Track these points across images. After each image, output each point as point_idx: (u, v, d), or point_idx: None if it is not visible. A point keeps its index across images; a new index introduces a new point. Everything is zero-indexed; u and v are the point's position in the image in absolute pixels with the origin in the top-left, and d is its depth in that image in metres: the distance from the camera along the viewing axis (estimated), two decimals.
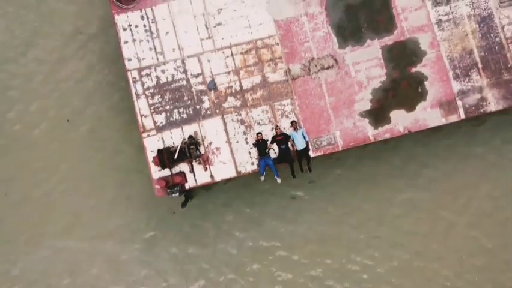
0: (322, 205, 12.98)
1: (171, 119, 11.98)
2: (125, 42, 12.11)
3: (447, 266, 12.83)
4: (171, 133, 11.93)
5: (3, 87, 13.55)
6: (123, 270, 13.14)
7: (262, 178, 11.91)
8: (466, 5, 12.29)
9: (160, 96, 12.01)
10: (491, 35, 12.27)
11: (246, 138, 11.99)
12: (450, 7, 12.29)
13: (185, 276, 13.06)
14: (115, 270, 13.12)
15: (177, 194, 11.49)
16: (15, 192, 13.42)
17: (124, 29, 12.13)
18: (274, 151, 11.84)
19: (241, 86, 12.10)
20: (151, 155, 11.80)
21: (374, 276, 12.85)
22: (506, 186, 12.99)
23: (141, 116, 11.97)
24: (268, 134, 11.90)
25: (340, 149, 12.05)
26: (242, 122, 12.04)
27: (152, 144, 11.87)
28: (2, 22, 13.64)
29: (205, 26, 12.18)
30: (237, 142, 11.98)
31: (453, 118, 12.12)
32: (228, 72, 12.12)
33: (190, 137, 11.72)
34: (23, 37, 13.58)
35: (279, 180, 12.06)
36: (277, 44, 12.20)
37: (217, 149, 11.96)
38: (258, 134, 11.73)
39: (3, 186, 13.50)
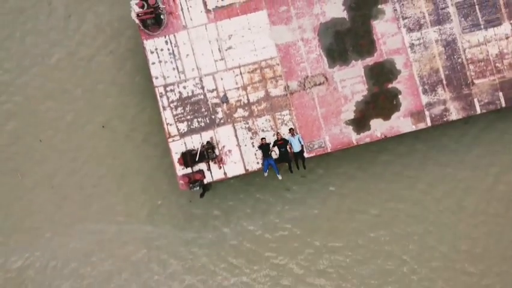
0: (309, 193, 15.94)
1: (191, 126, 14.70)
2: (153, 63, 14.70)
3: None
4: (192, 138, 14.66)
5: (36, 97, 16.22)
6: (153, 248, 16.12)
7: (265, 174, 14.71)
8: (434, 31, 14.84)
9: (182, 108, 14.69)
10: (455, 56, 14.85)
11: (253, 142, 14.73)
12: (421, 33, 14.84)
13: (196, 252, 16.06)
14: (147, 248, 16.11)
15: (198, 187, 14.34)
16: (58, 185, 16.26)
17: (152, 52, 14.71)
18: (275, 153, 14.60)
19: (248, 100, 14.77)
20: (175, 156, 14.57)
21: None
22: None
23: (167, 124, 14.68)
24: (270, 139, 14.63)
25: (329, 151, 14.80)
26: (249, 129, 14.75)
27: (177, 148, 14.62)
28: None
29: (218, 49, 14.75)
30: (245, 145, 14.73)
31: (421, 125, 14.82)
32: (238, 88, 14.76)
33: (208, 142, 14.46)
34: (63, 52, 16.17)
35: (280, 177, 14.87)
36: (278, 64, 14.80)
37: (229, 151, 14.72)
38: (262, 139, 14.46)
39: (47, 179, 16.31)
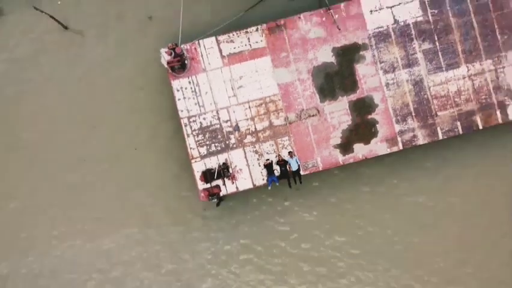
0: (302, 202, 19.54)
1: (210, 150, 18.30)
2: (179, 99, 18.28)
3: None
4: (210, 160, 18.27)
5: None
6: (176, 250, 19.75)
7: (269, 188, 18.35)
8: (405, 73, 18.40)
9: (202, 135, 18.29)
10: (422, 93, 18.43)
11: (259, 163, 18.34)
12: (394, 74, 18.41)
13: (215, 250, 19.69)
14: (172, 250, 19.74)
15: (215, 199, 17.98)
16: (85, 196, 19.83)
17: (178, 90, 18.28)
18: (277, 171, 18.21)
19: (255, 128, 18.36)
20: (197, 174, 18.18)
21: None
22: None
23: (190, 148, 18.28)
24: (273, 160, 18.22)
25: (320, 169, 18.41)
26: (256, 152, 18.36)
27: (198, 167, 18.22)
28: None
29: (231, 88, 18.33)
30: (253, 165, 18.34)
31: (395, 149, 18.42)
32: (247, 119, 18.35)
33: (223, 163, 18.08)
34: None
35: (277, 184, 18.32)
36: (279, 100, 18.38)
37: (240, 169, 18.32)
38: (266, 160, 18.07)
39: (75, 192, 19.86)
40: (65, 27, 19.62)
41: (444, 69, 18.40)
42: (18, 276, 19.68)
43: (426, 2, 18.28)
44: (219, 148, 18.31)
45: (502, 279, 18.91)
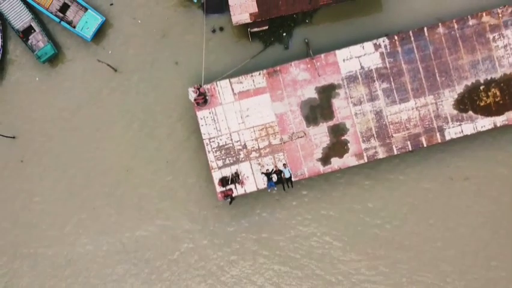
0: (292, 202, 26.02)
1: (225, 163, 24.75)
2: (202, 125, 24.72)
3: None
4: (225, 170, 24.71)
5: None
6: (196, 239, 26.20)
7: (269, 190, 24.81)
8: (369, 105, 24.80)
9: (219, 152, 24.74)
10: (381, 120, 24.89)
11: (261, 171, 24.78)
12: (361, 106, 24.85)
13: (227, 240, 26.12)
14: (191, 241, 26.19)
15: (229, 199, 24.47)
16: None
17: (201, 119, 24.72)
18: (274, 178, 24.64)
19: (258, 146, 24.81)
20: (216, 180, 24.63)
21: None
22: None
23: (211, 161, 24.73)
24: (271, 170, 24.66)
25: (306, 177, 24.86)
26: (259, 164, 24.80)
27: (216, 175, 24.67)
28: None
29: (241, 116, 24.75)
30: (257, 174, 24.78)
31: (361, 161, 24.84)
32: (252, 140, 24.78)
33: (235, 172, 24.58)
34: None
35: (275, 189, 24.80)
36: (276, 125, 24.81)
37: (247, 177, 24.78)
38: (266, 169, 24.55)
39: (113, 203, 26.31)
40: (115, 70, 26.07)
41: (398, 102, 24.87)
42: (48, 263, 26.06)
43: (385, 53, 24.76)
44: (231, 161, 24.78)
45: None
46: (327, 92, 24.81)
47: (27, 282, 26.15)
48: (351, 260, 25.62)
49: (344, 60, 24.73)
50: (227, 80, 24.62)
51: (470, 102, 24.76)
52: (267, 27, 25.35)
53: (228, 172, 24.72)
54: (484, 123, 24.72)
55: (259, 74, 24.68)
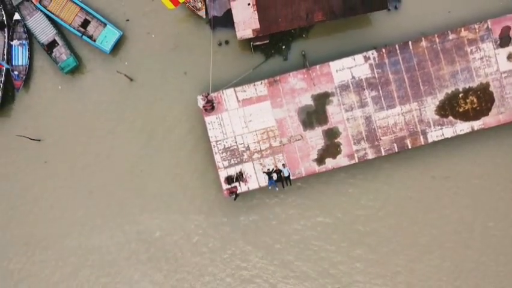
0: (291, 197, 28.81)
1: (230, 163, 27.53)
2: (210, 129, 27.51)
3: None
4: (230, 169, 27.49)
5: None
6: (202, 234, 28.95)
7: (270, 188, 27.59)
8: (360, 111, 27.59)
9: (225, 153, 27.52)
10: (370, 124, 27.70)
11: (263, 171, 27.56)
12: (352, 112, 27.55)
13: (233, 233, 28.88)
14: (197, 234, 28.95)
15: (234, 196, 27.26)
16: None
17: (209, 123, 27.51)
18: (274, 177, 27.39)
19: (260, 148, 27.61)
20: (222, 179, 27.41)
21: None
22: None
23: (217, 162, 27.52)
24: (272, 169, 27.43)
25: (303, 175, 27.65)
26: (261, 164, 27.59)
27: (223, 174, 27.44)
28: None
29: (244, 121, 27.56)
30: (259, 173, 27.57)
31: (352, 161, 27.62)
32: (254, 142, 27.57)
33: (239, 172, 27.37)
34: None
35: (277, 189, 27.65)
36: (276, 129, 27.60)
37: (250, 175, 27.56)
38: (267, 169, 27.33)
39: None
40: (131, 80, 28.89)
41: (385, 108, 27.68)
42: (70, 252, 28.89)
43: (373, 65, 27.59)
44: (236, 161, 27.57)
45: None
46: (322, 99, 27.61)
47: (47, 274, 28.78)
48: (348, 259, 28.49)
49: (337, 70, 27.53)
50: (232, 89, 27.42)
51: (450, 108, 27.59)
52: (268, 41, 28.19)
53: (232, 171, 27.50)
54: (463, 127, 27.56)
55: (261, 83, 27.50)
